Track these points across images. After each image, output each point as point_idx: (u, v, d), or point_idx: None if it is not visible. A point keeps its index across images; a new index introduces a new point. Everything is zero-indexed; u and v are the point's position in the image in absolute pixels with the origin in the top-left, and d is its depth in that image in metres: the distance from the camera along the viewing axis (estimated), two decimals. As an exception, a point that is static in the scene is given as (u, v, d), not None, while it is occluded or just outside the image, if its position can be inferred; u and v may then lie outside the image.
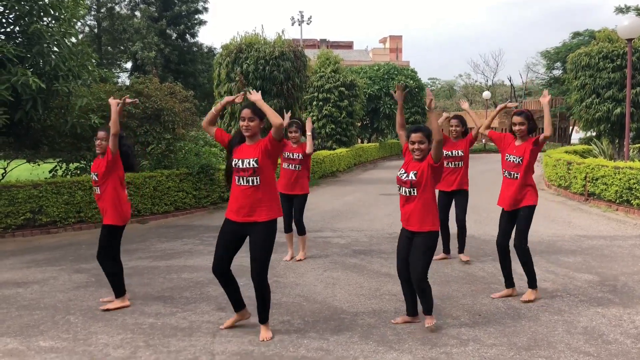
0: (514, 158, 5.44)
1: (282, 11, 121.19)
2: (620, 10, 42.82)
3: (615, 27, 13.89)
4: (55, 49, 9.62)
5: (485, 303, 5.40)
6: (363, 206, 12.22)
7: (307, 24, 49.36)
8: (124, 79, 37.37)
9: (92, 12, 33.22)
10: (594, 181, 11.98)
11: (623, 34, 13.36)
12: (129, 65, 36.28)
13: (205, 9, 34.17)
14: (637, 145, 26.04)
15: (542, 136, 5.39)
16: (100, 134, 5.47)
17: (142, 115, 10.65)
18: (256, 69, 15.84)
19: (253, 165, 4.35)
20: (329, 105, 22.76)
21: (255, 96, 4.46)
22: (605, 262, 6.85)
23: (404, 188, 4.66)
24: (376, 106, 29.09)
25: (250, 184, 4.39)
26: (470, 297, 5.59)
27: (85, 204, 9.81)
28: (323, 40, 64.26)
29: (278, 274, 6.54)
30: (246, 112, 4.41)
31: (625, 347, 4.29)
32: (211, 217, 11.06)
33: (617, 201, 11.07)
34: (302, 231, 7.24)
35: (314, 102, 22.85)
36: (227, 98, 4.66)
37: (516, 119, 5.49)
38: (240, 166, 4.38)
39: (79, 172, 11.18)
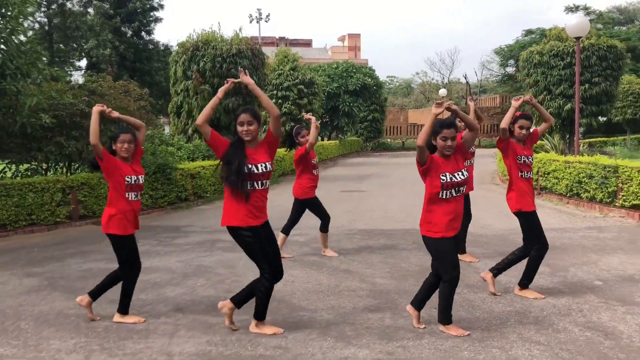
0: (527, 158, 5.43)
1: (241, 9, 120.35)
2: (570, 9, 44.29)
3: (565, 25, 14.30)
4: (3, 47, 9.30)
5: (441, 296, 5.49)
6: (323, 203, 12.22)
7: (266, 21, 49.32)
8: (77, 77, 36.48)
9: (43, 9, 32.25)
10: (545, 175, 12.33)
11: (571, 32, 13.78)
12: (83, 63, 35.43)
13: (161, 6, 33.64)
14: (588, 140, 26.99)
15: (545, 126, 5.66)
16: (127, 136, 4.84)
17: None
18: (213, 66, 15.69)
19: (269, 168, 4.41)
20: (288, 103, 22.74)
21: (248, 79, 4.37)
22: (556, 254, 7.06)
23: (457, 188, 4.37)
24: (335, 104, 29.21)
25: (266, 186, 4.44)
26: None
27: (37, 207, 9.52)
28: (282, 38, 64.09)
29: (238, 274, 6.51)
30: (245, 117, 4.33)
31: (574, 335, 4.43)
32: (169, 217, 10.91)
33: (568, 194, 11.43)
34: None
35: (273, 100, 22.76)
36: (223, 87, 4.38)
37: (525, 122, 5.40)
38: (256, 171, 4.33)
39: (29, 173, 10.86)
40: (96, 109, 4.85)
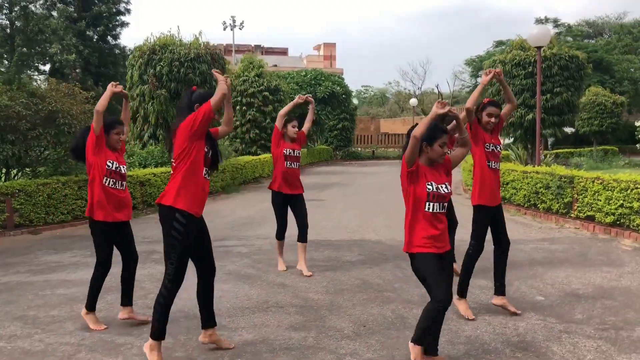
0: (495, 147, 5.03)
1: (215, 16, 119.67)
2: (540, 21, 44.82)
3: (527, 35, 14.23)
4: None
5: (373, 313, 5.17)
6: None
7: (240, 28, 48.78)
8: (41, 81, 35.59)
9: (5, 11, 31.40)
10: (504, 185, 12.14)
11: (533, 42, 13.69)
12: (48, 67, 34.53)
13: (128, 11, 32.98)
14: (555, 151, 27.12)
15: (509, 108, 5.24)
16: (122, 127, 4.96)
17: (35, 117, 9.89)
18: (170, 70, 15.24)
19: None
20: (253, 110, 22.34)
21: (225, 84, 4.03)
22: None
23: (442, 204, 3.90)
24: (303, 111, 28.82)
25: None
26: (360, 307, 5.35)
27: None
28: (257, 46, 63.77)
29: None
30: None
31: (504, 356, 4.14)
32: (113, 226, 10.41)
33: (526, 205, 11.25)
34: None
35: (238, 107, 22.37)
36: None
37: (494, 110, 4.99)
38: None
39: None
40: (112, 89, 4.85)
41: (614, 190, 8.79)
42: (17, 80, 9.99)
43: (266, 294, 5.80)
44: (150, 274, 6.74)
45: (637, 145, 28.27)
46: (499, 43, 44.27)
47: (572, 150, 28.71)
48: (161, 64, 15.30)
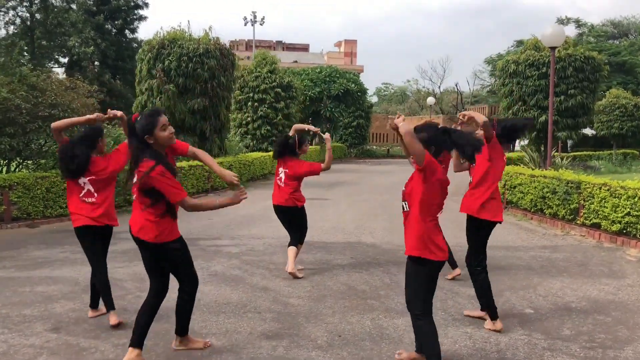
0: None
1: (236, 11, 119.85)
2: (562, 22, 43.99)
3: (541, 35, 13.85)
4: None
5: (352, 322, 4.97)
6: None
7: (261, 24, 48.64)
8: (61, 74, 35.93)
9: (25, 4, 31.75)
10: (511, 189, 11.84)
11: (546, 42, 13.30)
12: (66, 60, 34.84)
13: (146, 4, 33.15)
14: (573, 154, 26.54)
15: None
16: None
17: (35, 110, 9.85)
18: (179, 65, 15.20)
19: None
20: (265, 106, 22.23)
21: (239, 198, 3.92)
22: (496, 275, 6.53)
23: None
24: (317, 109, 28.69)
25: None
26: (340, 315, 5.16)
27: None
28: (279, 42, 63.70)
29: (144, 289, 5.93)
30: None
31: (478, 375, 3.92)
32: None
33: (532, 210, 10.94)
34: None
35: (249, 103, 22.30)
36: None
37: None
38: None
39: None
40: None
41: (621, 197, 8.46)
42: (19, 72, 9.98)
43: (246, 298, 5.64)
44: (134, 272, 6.61)
45: (658, 150, 27.57)
46: (519, 42, 43.55)
47: (590, 153, 28.11)
48: (170, 58, 15.25)
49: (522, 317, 5.14)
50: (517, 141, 39.12)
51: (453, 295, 5.83)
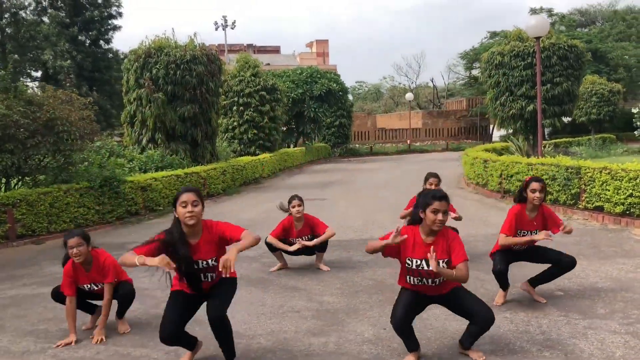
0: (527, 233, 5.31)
1: (207, 17, 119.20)
2: (535, 11, 44.76)
3: (525, 26, 14.14)
4: None
5: (392, 315, 5.05)
6: (282, 214, 11.75)
7: (232, 28, 48.48)
8: (36, 88, 35.31)
9: (-5, 18, 31.16)
10: (509, 178, 12.07)
11: (531, 32, 13.59)
12: (39, 73, 34.31)
13: (120, 14, 32.82)
14: (553, 141, 27.05)
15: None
16: (72, 241, 4.71)
17: (33, 125, 9.74)
18: (167, 73, 15.12)
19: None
20: (250, 110, 22.23)
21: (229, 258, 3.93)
22: (514, 263, 6.69)
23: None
24: (300, 110, 28.73)
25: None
26: (378, 308, 5.25)
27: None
28: (250, 45, 63.56)
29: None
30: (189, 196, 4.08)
31: (531, 355, 4.04)
32: (116, 233, 10.29)
33: (531, 197, 11.14)
34: None
35: (234, 107, 22.26)
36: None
37: (537, 185, 5.05)
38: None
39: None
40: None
41: (622, 180, 8.71)
42: (14, 88, 9.85)
43: (281, 299, 5.70)
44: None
45: (635, 132, 28.29)
46: (493, 34, 44.21)
47: (570, 139, 28.68)
48: (157, 66, 15.18)
49: (555, 299, 5.29)
50: (496, 131, 39.73)
51: (482, 283, 5.95)
